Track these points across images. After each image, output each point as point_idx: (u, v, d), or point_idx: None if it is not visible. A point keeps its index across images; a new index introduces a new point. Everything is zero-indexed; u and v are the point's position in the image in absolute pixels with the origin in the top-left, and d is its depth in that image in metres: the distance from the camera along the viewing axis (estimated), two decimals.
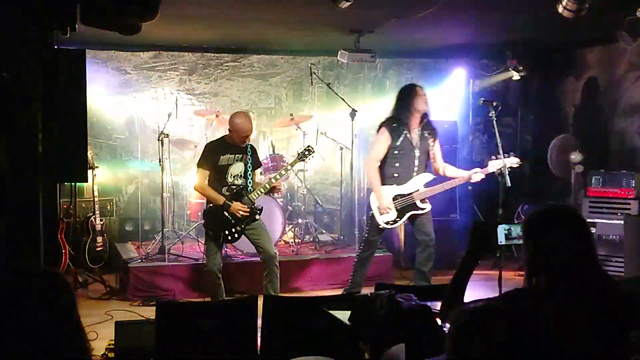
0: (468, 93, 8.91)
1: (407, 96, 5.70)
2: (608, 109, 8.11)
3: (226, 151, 5.54)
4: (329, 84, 7.78)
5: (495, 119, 5.94)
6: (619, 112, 7.96)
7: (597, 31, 7.29)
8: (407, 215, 5.73)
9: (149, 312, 5.33)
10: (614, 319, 2.27)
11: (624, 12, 5.91)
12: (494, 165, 5.73)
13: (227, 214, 5.49)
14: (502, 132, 6.15)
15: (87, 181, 4.21)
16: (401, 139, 5.65)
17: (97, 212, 7.04)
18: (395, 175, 5.71)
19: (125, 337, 4.15)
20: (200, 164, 5.60)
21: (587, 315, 2.24)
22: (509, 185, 5.71)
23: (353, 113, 7.15)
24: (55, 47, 3.94)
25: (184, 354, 3.65)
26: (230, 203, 5.45)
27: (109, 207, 8.08)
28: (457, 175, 5.80)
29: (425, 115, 5.75)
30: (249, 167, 5.60)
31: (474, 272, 2.63)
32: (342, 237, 7.86)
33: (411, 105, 5.64)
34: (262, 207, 5.70)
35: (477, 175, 5.69)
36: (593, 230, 6.73)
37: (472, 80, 8.89)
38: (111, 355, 4.39)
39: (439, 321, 3.03)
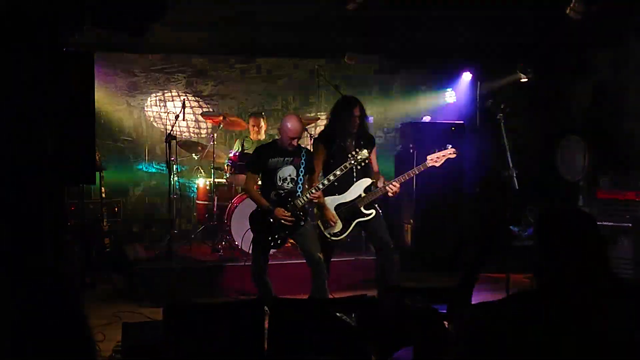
0: (476, 95, 8.89)
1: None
2: (617, 111, 8.08)
3: (275, 154, 5.37)
4: (336, 86, 7.77)
5: (503, 121, 5.92)
6: (628, 114, 7.92)
7: (605, 33, 7.27)
8: (354, 223, 5.57)
9: (157, 314, 5.33)
10: (618, 321, 2.26)
11: (633, 13, 5.89)
12: (432, 159, 5.59)
13: (271, 219, 5.34)
14: (510, 135, 6.12)
15: (94, 183, 4.22)
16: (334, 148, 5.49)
17: (105, 213, 7.05)
18: (335, 184, 5.45)
19: (132, 339, 4.15)
20: (248, 167, 5.67)
21: (592, 317, 2.23)
22: (517, 187, 5.69)
23: None
24: (64, 49, 3.95)
25: (192, 355, 3.66)
26: (273, 209, 5.31)
27: (116, 208, 8.10)
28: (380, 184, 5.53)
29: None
30: (301, 171, 5.39)
31: (481, 274, 2.62)
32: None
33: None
34: (308, 212, 5.52)
35: (392, 186, 5.40)
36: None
37: (480, 82, 8.87)
38: (119, 356, 4.39)
39: (445, 323, 3.03)
